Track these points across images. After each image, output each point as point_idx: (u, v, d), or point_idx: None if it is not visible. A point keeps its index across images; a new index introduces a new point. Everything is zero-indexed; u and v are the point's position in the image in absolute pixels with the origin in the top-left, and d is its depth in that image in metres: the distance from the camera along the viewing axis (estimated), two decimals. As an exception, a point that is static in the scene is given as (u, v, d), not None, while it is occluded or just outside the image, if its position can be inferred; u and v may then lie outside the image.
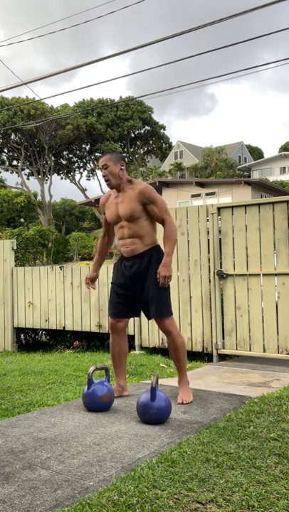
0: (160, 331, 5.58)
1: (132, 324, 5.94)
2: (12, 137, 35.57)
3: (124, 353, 3.54)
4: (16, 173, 37.25)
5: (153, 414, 2.84)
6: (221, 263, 5.16)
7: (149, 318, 3.41)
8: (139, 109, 37.99)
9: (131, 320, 5.92)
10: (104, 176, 3.33)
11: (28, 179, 38.33)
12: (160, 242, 3.43)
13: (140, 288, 3.34)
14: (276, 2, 7.49)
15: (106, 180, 3.35)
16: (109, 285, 6.12)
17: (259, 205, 4.90)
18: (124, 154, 40.19)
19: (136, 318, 5.73)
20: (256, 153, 58.57)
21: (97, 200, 28.04)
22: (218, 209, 5.18)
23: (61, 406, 3.36)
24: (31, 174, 37.77)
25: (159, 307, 3.27)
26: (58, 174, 40.23)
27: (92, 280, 3.66)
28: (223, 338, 5.09)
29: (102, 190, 39.97)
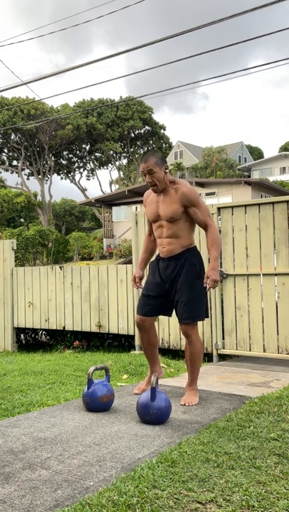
0: (160, 331, 5.58)
1: (131, 324, 5.94)
2: (12, 137, 35.59)
3: (154, 346, 3.51)
4: (16, 173, 37.29)
5: (153, 415, 2.83)
6: (221, 263, 5.16)
7: (179, 321, 3.33)
8: (139, 109, 38.03)
9: (130, 320, 5.92)
10: (150, 183, 3.23)
11: (28, 179, 38.38)
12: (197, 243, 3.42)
13: (173, 289, 3.30)
14: (276, 2, 7.49)
15: (152, 186, 3.25)
16: (110, 286, 6.15)
17: (259, 205, 4.90)
18: (124, 154, 40.23)
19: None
20: (256, 153, 58.59)
21: (98, 200, 28.05)
22: (218, 209, 5.17)
23: (61, 406, 3.36)
24: (31, 174, 37.80)
25: (193, 311, 3.23)
26: (58, 174, 40.26)
27: (140, 279, 3.56)
28: (223, 338, 5.09)
29: (102, 190, 40.00)
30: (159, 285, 3.35)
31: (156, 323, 5.54)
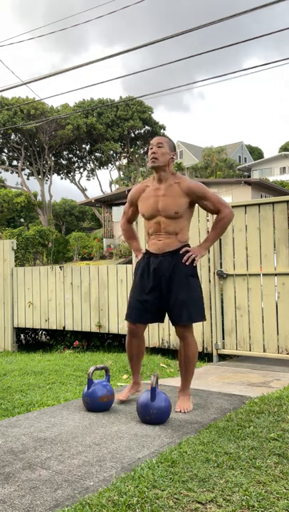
0: (160, 331, 5.58)
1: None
2: (12, 137, 35.58)
3: (142, 354, 3.40)
4: (16, 173, 37.26)
5: (153, 415, 2.83)
6: (221, 263, 5.16)
7: (174, 323, 3.13)
8: (139, 109, 38.01)
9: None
10: (153, 153, 3.09)
11: (28, 179, 38.34)
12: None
13: (166, 289, 3.08)
14: (276, 2, 7.49)
15: (153, 158, 3.08)
16: (110, 286, 6.15)
17: (259, 205, 4.90)
18: (124, 154, 40.26)
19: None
20: (256, 153, 58.58)
21: (98, 200, 28.06)
22: (218, 209, 5.17)
23: (61, 406, 3.36)
24: (31, 174, 37.78)
25: (191, 311, 3.05)
26: (58, 174, 40.24)
27: None
28: (223, 338, 5.09)
29: (102, 190, 39.99)
30: (151, 287, 3.12)
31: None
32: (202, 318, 3.14)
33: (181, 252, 3.10)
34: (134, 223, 3.72)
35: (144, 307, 3.17)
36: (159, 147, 3.12)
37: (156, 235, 3.12)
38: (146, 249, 3.24)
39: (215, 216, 3.23)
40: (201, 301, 3.15)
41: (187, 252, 3.11)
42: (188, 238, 3.23)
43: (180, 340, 3.19)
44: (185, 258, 3.08)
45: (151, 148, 3.15)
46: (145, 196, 3.18)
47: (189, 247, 3.18)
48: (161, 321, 3.28)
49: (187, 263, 3.07)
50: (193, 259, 3.09)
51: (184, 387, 3.27)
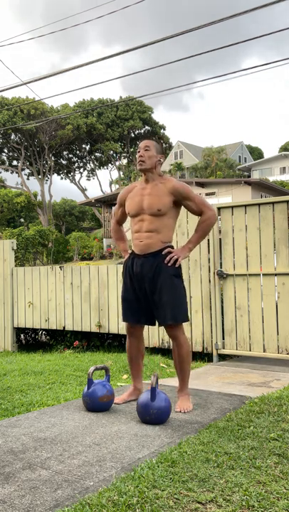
0: (160, 331, 5.58)
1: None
2: (12, 137, 35.62)
3: (141, 355, 3.39)
4: (16, 173, 37.31)
5: (153, 415, 2.83)
6: (221, 263, 5.16)
7: (160, 324, 3.15)
8: (139, 109, 38.06)
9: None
10: (140, 157, 3.18)
11: (28, 179, 38.39)
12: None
13: (150, 290, 3.11)
14: (276, 2, 7.49)
15: (140, 161, 3.17)
16: (110, 286, 6.15)
17: (259, 205, 4.90)
18: (124, 154, 40.31)
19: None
20: (256, 153, 58.61)
21: (98, 200, 28.07)
22: (218, 209, 5.17)
23: (61, 406, 3.36)
24: (31, 174, 37.82)
25: (175, 312, 3.07)
26: (58, 174, 40.29)
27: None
28: (223, 338, 5.09)
29: (102, 190, 40.01)
30: (136, 287, 3.17)
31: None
32: (186, 318, 3.15)
33: (163, 253, 3.12)
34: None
35: (132, 307, 3.23)
36: (146, 150, 3.20)
37: (138, 234, 3.16)
38: (132, 250, 3.27)
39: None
40: (185, 302, 3.17)
41: (170, 253, 3.12)
42: (171, 239, 3.22)
43: (172, 341, 3.20)
44: (167, 259, 3.09)
45: (139, 152, 3.23)
46: (132, 195, 3.26)
47: (172, 247, 3.20)
48: (153, 323, 3.28)
49: (169, 264, 3.09)
50: (176, 260, 3.11)
51: (182, 387, 3.28)
